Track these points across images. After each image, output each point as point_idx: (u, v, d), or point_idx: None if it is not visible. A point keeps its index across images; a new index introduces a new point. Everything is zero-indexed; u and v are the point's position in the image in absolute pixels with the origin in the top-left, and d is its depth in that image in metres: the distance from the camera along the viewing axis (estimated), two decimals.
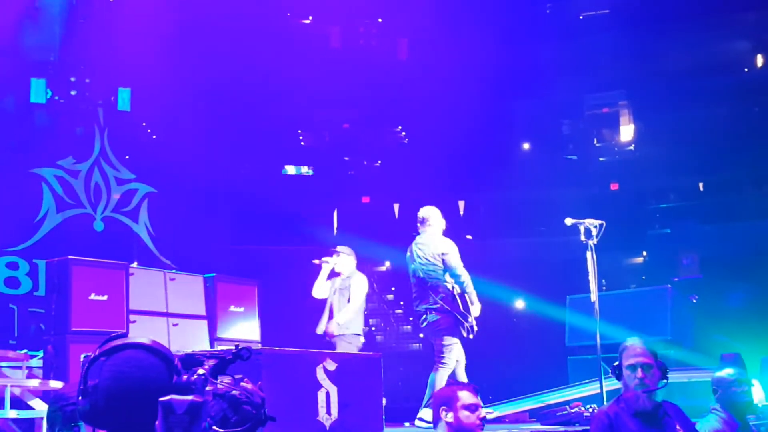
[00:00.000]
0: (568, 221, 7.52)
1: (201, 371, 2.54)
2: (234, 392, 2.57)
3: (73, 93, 13.54)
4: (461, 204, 15.33)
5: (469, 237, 14.99)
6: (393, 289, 16.28)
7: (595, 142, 14.92)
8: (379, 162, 15.91)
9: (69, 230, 13.23)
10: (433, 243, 7.91)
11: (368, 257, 15.23)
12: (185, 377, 2.31)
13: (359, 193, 15.60)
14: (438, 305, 7.69)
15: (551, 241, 13.57)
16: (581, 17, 14.72)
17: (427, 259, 7.83)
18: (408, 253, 8.18)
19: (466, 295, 7.77)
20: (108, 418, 2.22)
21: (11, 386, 7.09)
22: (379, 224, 14.94)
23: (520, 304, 14.96)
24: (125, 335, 2.48)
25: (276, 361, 5.87)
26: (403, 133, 15.80)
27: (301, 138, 15.58)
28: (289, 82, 13.99)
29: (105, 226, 13.67)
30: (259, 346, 8.13)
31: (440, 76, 14.15)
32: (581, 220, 7.47)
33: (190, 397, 2.19)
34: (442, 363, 7.83)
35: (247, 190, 14.13)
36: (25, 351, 8.98)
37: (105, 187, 13.75)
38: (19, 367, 8.21)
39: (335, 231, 15.12)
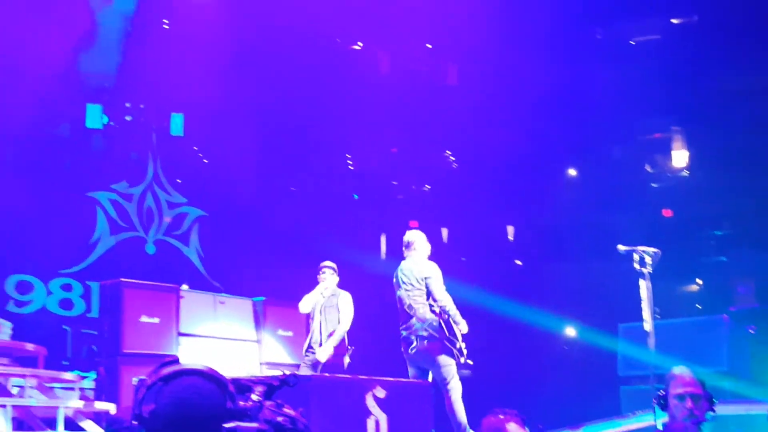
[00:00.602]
0: (621, 248, 7.38)
1: (255, 397, 2.58)
2: (279, 419, 2.58)
3: (128, 118, 13.83)
4: (510, 229, 15.23)
5: (518, 262, 14.88)
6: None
7: (647, 167, 14.72)
8: (428, 186, 15.88)
9: (122, 253, 13.45)
10: (417, 267, 7.83)
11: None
12: (241, 403, 2.35)
13: (407, 217, 15.57)
14: (426, 332, 7.56)
15: (602, 268, 13.36)
16: (632, 42, 14.58)
17: (411, 284, 7.76)
18: (394, 279, 8.09)
19: (450, 318, 7.64)
20: None
21: (64, 408, 7.17)
22: None
23: (570, 331, 14.74)
24: (177, 360, 2.51)
25: (325, 387, 5.86)
26: (452, 158, 15.76)
27: (349, 162, 15.64)
28: (337, 106, 14.08)
29: (156, 249, 13.87)
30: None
31: (490, 101, 14.12)
32: (635, 247, 7.33)
33: (255, 425, 2.26)
34: (450, 387, 7.72)
35: (295, 214, 14.21)
36: (77, 372, 9.10)
37: (157, 210, 13.96)
38: (72, 389, 8.31)
39: (383, 255, 15.11)
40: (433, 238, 15.65)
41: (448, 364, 7.58)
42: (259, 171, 13.93)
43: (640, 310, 7.34)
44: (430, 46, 14.80)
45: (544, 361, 14.01)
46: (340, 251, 14.15)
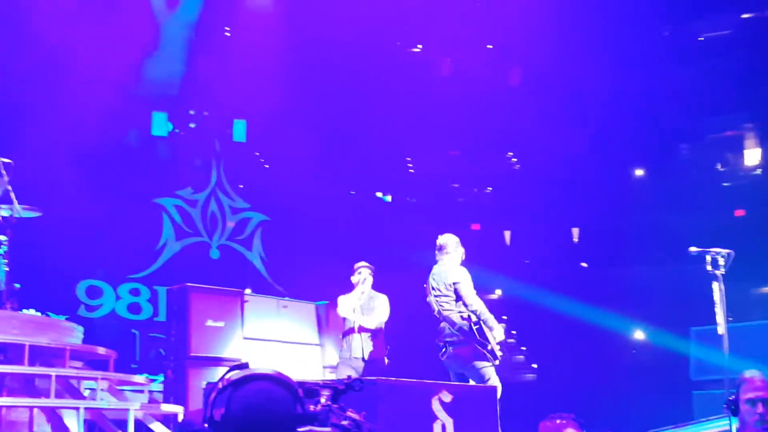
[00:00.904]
0: (693, 250, 7.16)
1: (323, 401, 2.59)
2: (344, 422, 2.60)
3: (192, 126, 14.04)
4: (575, 231, 15.00)
5: (583, 264, 14.64)
6: (504, 317, 16.00)
7: (719, 166, 14.35)
8: (490, 189, 15.74)
9: (187, 258, 13.65)
10: (445, 273, 7.59)
11: (478, 285, 15.07)
12: (311, 407, 2.37)
13: (469, 220, 15.47)
14: (455, 338, 7.38)
15: (673, 270, 13.05)
16: (701, 39, 14.23)
17: (439, 290, 7.53)
18: (425, 285, 7.87)
19: (482, 322, 7.39)
20: None
21: (134, 410, 7.28)
22: (489, 252, 14.74)
23: (639, 335, 14.44)
24: (247, 365, 2.52)
25: (391, 391, 5.82)
26: (514, 159, 15.60)
27: (410, 165, 15.61)
28: (398, 110, 14.06)
29: (220, 254, 14.03)
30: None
31: (553, 101, 13.92)
32: (707, 249, 7.10)
33: (327, 429, 2.33)
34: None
35: (356, 217, 14.23)
36: (145, 375, 9.24)
37: (221, 215, 14.13)
38: (141, 391, 8.44)
39: None
40: (496, 241, 15.65)
41: (482, 366, 7.35)
42: (320, 175, 13.98)
43: (712, 313, 7.13)
44: (491, 47, 14.68)
45: (613, 365, 13.74)
46: (401, 255, 14.14)
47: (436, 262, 7.82)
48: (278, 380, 2.34)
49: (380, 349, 8.41)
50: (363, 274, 8.50)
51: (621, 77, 13.61)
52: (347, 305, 8.44)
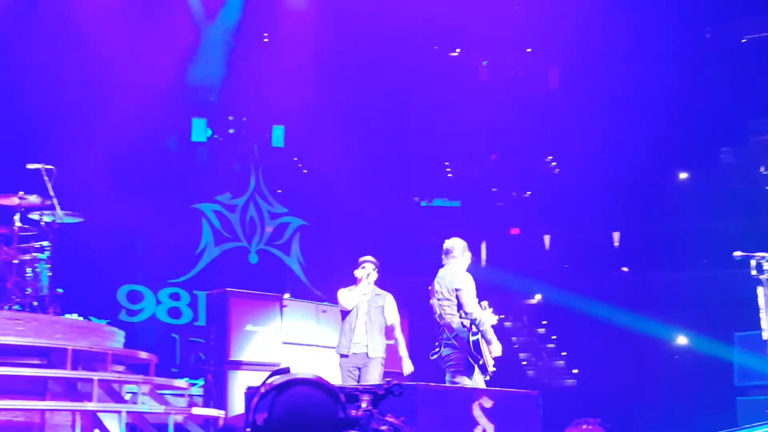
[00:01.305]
0: (738, 255, 7.02)
1: (364, 406, 2.58)
2: (383, 428, 2.59)
3: (231, 131, 14.15)
4: (616, 235, 14.82)
5: (624, 269, 14.46)
6: (544, 322, 15.88)
7: (762, 170, 14.08)
8: (529, 193, 15.63)
9: (226, 263, 13.74)
10: (450, 277, 7.38)
11: (518, 290, 14.97)
12: (352, 412, 2.37)
13: (508, 224, 15.37)
14: (450, 342, 7.14)
15: (715, 275, 12.84)
16: (743, 41, 13.99)
17: (442, 294, 7.33)
18: (429, 287, 7.64)
19: (480, 334, 7.12)
20: None
21: (174, 414, 7.33)
22: (529, 256, 14.63)
23: (682, 340, 14.22)
24: (288, 369, 2.52)
25: (432, 397, 5.78)
26: (554, 163, 15.46)
27: (448, 170, 15.55)
28: (436, 114, 14.02)
29: (259, 259, 14.10)
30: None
31: (593, 104, 13.78)
32: (752, 254, 6.96)
33: None
34: None
35: (394, 222, 14.21)
36: (186, 380, 9.31)
37: (259, 220, 14.20)
38: (182, 395, 8.50)
39: (483, 263, 14.94)
40: (536, 245, 15.53)
41: (460, 381, 7.02)
42: (358, 180, 13.99)
43: (757, 318, 6.99)
44: (530, 50, 14.59)
45: (655, 371, 13.54)
46: (439, 259, 14.04)
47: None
48: (320, 385, 2.33)
49: (382, 347, 8.09)
50: (367, 269, 8.16)
51: (662, 79, 13.41)
52: (351, 299, 8.10)
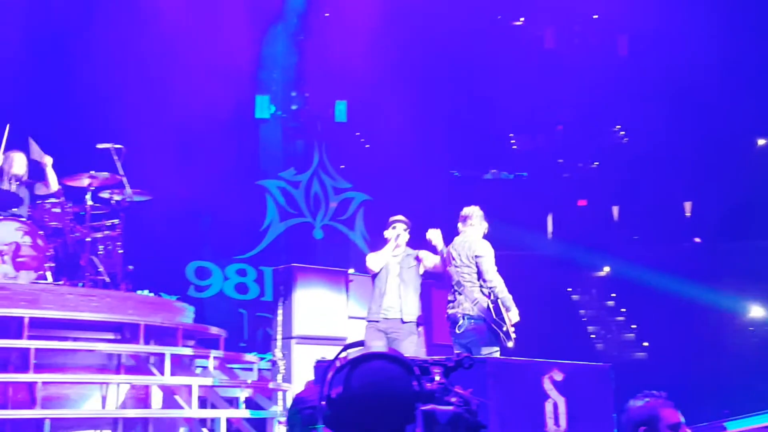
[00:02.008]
0: None
1: (438, 378, 2.55)
2: (453, 399, 2.56)
3: (294, 107, 14.18)
4: (687, 205, 14.45)
5: (697, 240, 14.11)
6: (613, 295, 15.62)
7: None
8: (596, 163, 15.33)
9: (291, 238, 13.81)
10: (469, 244, 7.16)
11: (586, 262, 14.74)
12: (428, 385, 2.32)
13: (575, 196, 15.11)
14: (473, 312, 6.95)
15: None
16: None
17: (462, 261, 7.11)
18: (445, 254, 7.35)
19: (499, 301, 6.95)
20: (358, 426, 2.26)
21: (244, 387, 7.41)
22: (597, 228, 14.37)
23: (756, 312, 13.83)
24: (362, 343, 2.49)
25: (502, 370, 5.72)
26: (622, 132, 15.12)
27: (513, 142, 15.33)
28: (500, 85, 13.81)
29: (324, 234, 14.15)
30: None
31: (663, 71, 13.39)
32: None
33: (450, 407, 2.24)
34: None
35: (459, 194, 14.08)
36: (255, 354, 9.41)
37: (323, 196, 14.24)
38: (250, 369, 8.59)
39: (550, 235, 14.73)
40: (604, 216, 15.26)
41: (491, 351, 6.87)
42: (421, 153, 13.90)
43: None
44: (596, 16, 14.23)
45: (728, 344, 13.21)
46: (505, 233, 13.89)
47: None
48: (395, 358, 2.31)
49: (417, 310, 7.70)
50: (398, 229, 7.78)
51: (735, 43, 12.95)
52: (379, 261, 7.72)
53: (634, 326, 15.22)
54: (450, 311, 7.18)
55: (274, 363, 9.26)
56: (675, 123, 13.42)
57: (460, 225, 7.41)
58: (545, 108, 14.53)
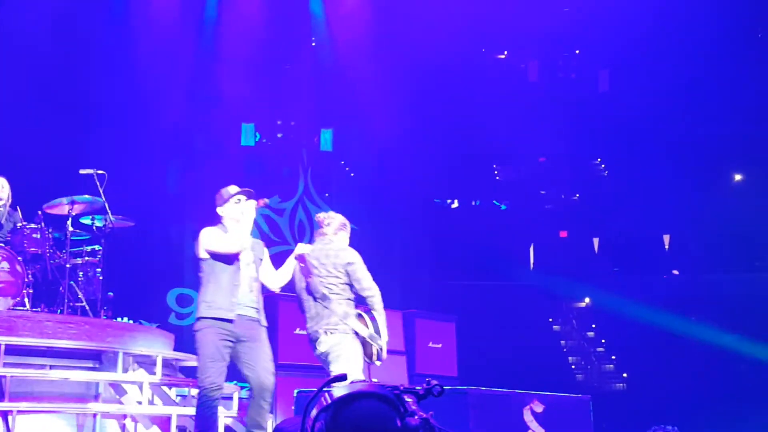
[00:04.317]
0: None
1: (419, 413, 2.59)
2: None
3: (279, 135, 14.23)
4: (666, 238, 14.59)
5: (675, 272, 14.23)
6: (593, 326, 15.69)
7: None
8: (578, 195, 15.47)
9: (275, 266, 13.75)
10: (334, 252, 6.33)
11: (567, 293, 14.82)
12: (412, 421, 2.40)
13: (557, 227, 15.23)
14: (339, 325, 6.13)
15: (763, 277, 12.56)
16: None
17: (327, 271, 6.28)
18: (301, 265, 6.51)
19: (374, 312, 6.22)
20: None
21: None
22: (578, 259, 14.47)
23: (733, 343, 13.91)
24: (345, 376, 2.51)
25: (482, 401, 5.73)
26: (603, 165, 15.28)
27: (496, 172, 15.45)
28: (484, 116, 13.95)
29: None
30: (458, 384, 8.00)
31: (643, 106, 13.58)
32: None
33: None
34: None
35: (443, 225, 14.15)
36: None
37: (308, 224, 14.24)
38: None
39: (532, 266, 14.81)
40: (585, 248, 15.36)
41: (354, 368, 6.03)
42: (406, 183, 13.97)
43: None
44: (578, 51, 14.44)
45: (707, 374, 13.26)
46: (487, 264, 13.98)
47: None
48: (381, 396, 2.35)
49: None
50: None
51: (713, 79, 13.17)
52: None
53: (613, 357, 15.28)
54: (311, 327, 6.38)
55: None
56: (654, 156, 13.58)
57: (316, 233, 6.68)
58: (528, 140, 14.67)
